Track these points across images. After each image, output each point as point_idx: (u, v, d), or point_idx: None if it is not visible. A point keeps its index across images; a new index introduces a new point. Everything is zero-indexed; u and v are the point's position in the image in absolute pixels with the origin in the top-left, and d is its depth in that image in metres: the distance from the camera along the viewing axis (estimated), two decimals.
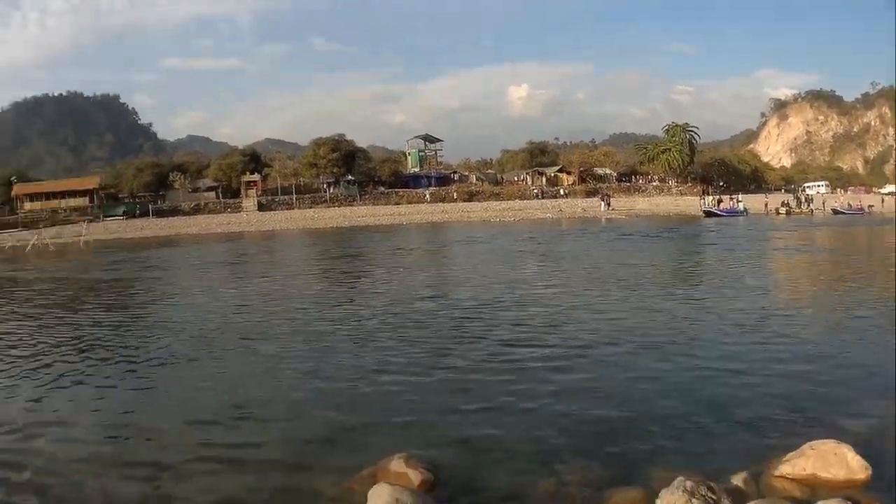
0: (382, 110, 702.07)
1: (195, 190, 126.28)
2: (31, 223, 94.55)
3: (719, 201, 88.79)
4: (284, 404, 11.04)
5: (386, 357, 13.71)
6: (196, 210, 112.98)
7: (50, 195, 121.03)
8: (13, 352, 16.18)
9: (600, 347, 14.01)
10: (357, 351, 14.53)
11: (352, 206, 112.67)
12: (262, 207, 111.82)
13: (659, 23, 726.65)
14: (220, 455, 8.80)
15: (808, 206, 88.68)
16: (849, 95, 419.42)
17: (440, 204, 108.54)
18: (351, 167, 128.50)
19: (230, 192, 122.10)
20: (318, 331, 16.91)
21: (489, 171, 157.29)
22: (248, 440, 9.37)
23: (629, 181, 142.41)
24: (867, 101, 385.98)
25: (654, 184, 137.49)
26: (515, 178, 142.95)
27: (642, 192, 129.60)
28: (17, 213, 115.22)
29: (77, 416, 10.80)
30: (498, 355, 13.45)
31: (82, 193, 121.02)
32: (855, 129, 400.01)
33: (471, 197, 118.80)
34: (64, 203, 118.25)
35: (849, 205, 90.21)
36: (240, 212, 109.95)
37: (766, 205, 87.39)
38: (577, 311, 18.63)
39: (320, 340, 15.71)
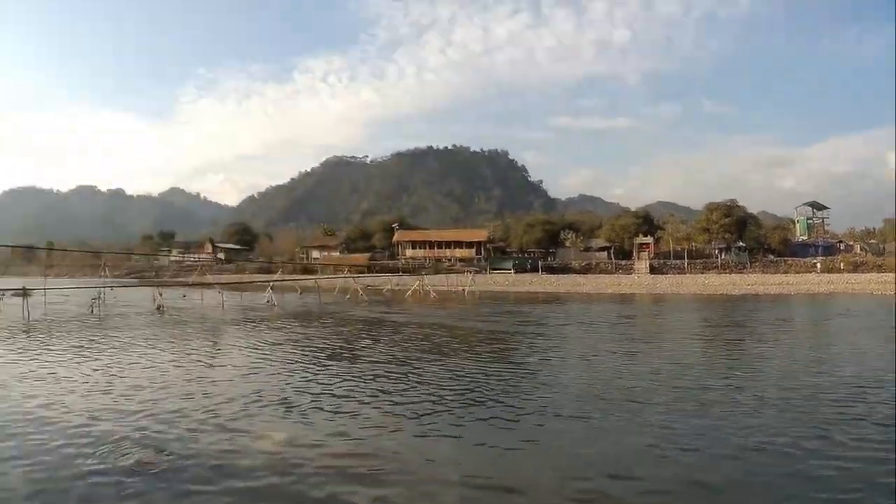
0: (772, 174, 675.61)
1: (587, 249, 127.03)
2: (412, 269, 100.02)
3: None
4: (666, 476, 11.08)
5: (765, 436, 13.39)
6: (587, 269, 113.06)
7: (434, 244, 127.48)
8: (388, 394, 17.71)
9: None
10: (740, 423, 14.43)
11: (741, 273, 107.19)
12: (653, 270, 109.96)
13: None
14: None
15: None
16: None
17: (826, 274, 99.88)
18: (742, 233, 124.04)
19: (622, 254, 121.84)
20: (703, 400, 16.76)
21: (872, 241, 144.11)
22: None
23: None
24: None
25: None
26: None
27: None
28: (398, 259, 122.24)
29: (452, 461, 11.86)
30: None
31: (469, 245, 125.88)
32: None
33: (855, 268, 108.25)
34: (449, 252, 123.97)
35: None
36: (631, 273, 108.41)
37: None
38: None
39: (704, 411, 15.62)
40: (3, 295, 52.01)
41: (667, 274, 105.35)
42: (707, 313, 48.37)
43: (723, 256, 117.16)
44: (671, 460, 11.89)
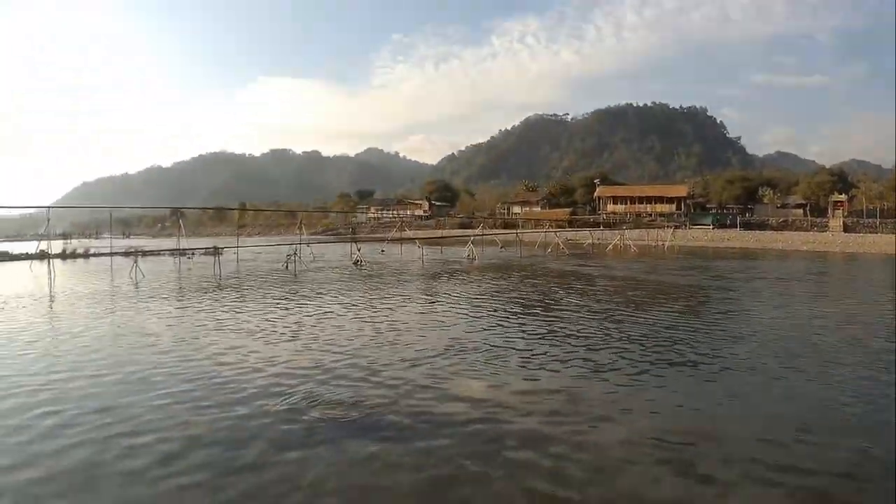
0: None
1: (783, 206, 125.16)
2: (613, 224, 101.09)
3: None
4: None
5: None
6: (783, 226, 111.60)
7: (635, 199, 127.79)
8: (577, 342, 17.58)
9: None
10: None
11: None
12: (846, 228, 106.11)
13: None
14: (771, 478, 8.61)
15: None
16: None
17: None
18: None
19: (817, 211, 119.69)
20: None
21: None
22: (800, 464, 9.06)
23: None
24: None
25: None
26: None
27: None
28: (599, 214, 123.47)
29: (641, 411, 11.54)
30: None
31: (669, 200, 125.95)
32: None
33: None
34: (650, 208, 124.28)
35: None
36: (825, 231, 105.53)
37: None
38: None
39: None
40: (194, 254, 54.62)
41: (859, 232, 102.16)
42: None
43: None
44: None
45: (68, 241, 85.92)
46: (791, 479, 8.48)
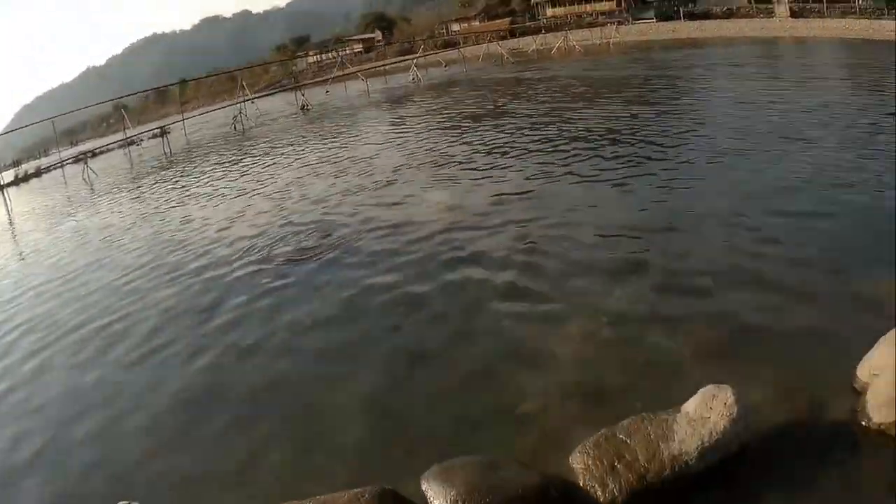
0: None
1: None
2: (555, 27, 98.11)
3: None
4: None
5: None
6: (728, 14, 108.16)
7: (574, 1, 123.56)
8: (542, 146, 17.70)
9: None
10: None
11: (880, 19, 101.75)
12: (793, 14, 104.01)
13: None
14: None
15: None
16: None
17: None
18: None
19: None
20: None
21: None
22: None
23: None
24: None
25: None
26: None
27: None
28: (539, 20, 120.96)
29: (609, 204, 11.81)
30: None
31: None
32: None
33: None
34: (589, 7, 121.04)
35: None
36: (772, 17, 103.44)
37: None
38: None
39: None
40: (142, 140, 52.97)
41: (807, 17, 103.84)
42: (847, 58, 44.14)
43: (861, 2, 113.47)
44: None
45: (18, 166, 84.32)
46: None
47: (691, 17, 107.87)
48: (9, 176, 56.37)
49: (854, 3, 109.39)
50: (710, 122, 18.12)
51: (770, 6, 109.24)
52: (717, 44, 64.13)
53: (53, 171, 50.81)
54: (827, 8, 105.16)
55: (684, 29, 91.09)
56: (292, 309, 9.25)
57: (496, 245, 10.33)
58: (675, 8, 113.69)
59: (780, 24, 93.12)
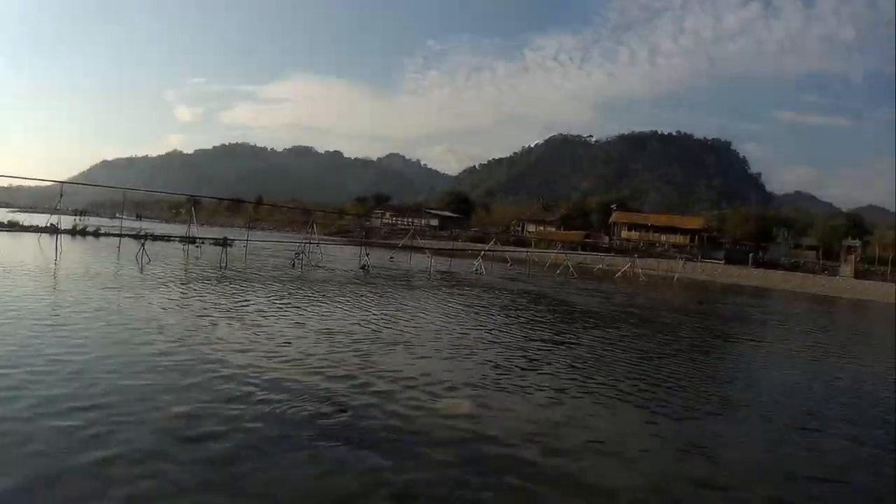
0: None
1: (797, 246, 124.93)
2: (625, 251, 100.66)
3: None
4: None
5: None
6: (794, 267, 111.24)
7: (650, 227, 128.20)
8: (579, 371, 18.16)
9: None
10: None
11: None
12: (858, 275, 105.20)
13: None
14: None
15: None
16: None
17: None
18: None
19: (829, 255, 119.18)
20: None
21: None
22: None
23: None
24: None
25: None
26: None
27: None
28: (613, 239, 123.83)
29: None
30: None
31: (684, 232, 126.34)
32: None
33: None
34: (664, 238, 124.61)
35: None
36: (836, 276, 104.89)
37: None
38: None
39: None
40: (204, 243, 53.58)
41: (871, 280, 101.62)
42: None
43: None
44: None
45: (80, 217, 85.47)
46: None
47: (758, 264, 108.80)
48: (67, 222, 57.53)
49: None
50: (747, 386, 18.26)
51: (836, 263, 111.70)
52: (778, 296, 62.92)
53: (112, 238, 51.54)
54: (891, 272, 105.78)
55: (748, 275, 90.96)
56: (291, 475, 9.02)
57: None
58: (744, 253, 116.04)
59: (842, 283, 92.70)
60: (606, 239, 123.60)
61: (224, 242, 49.16)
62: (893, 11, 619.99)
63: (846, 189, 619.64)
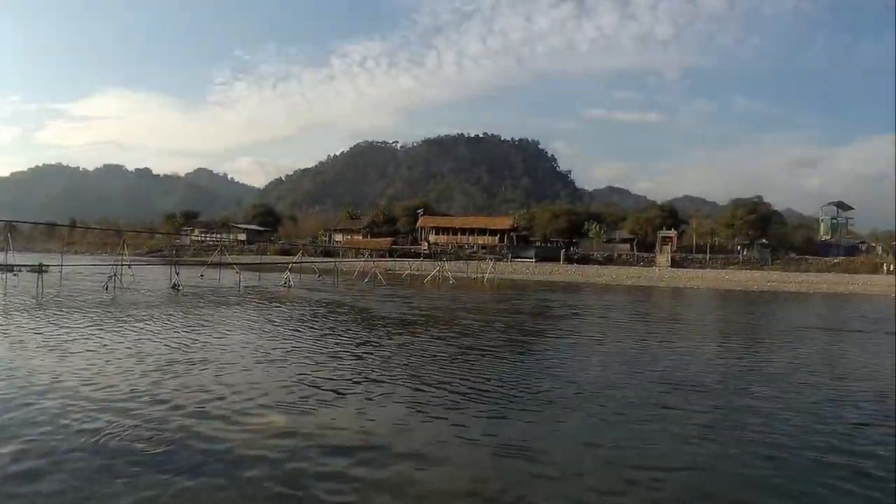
0: (799, 174, 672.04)
1: (609, 241, 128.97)
2: (434, 255, 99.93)
3: None
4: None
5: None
6: (608, 260, 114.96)
7: (458, 230, 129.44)
8: (384, 376, 18.19)
9: None
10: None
11: (762, 270, 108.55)
12: (674, 264, 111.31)
13: None
14: None
15: None
16: None
17: (846, 275, 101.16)
18: (766, 230, 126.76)
19: (644, 246, 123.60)
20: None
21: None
22: None
23: None
24: None
25: None
26: None
27: None
28: (421, 244, 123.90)
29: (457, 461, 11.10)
30: None
31: (493, 233, 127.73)
32: None
33: (874, 269, 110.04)
34: (472, 240, 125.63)
35: None
36: (652, 266, 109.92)
37: None
38: None
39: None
40: (21, 270, 52.16)
41: (687, 268, 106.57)
42: (724, 311, 48.53)
43: (745, 253, 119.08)
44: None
45: None
46: None
47: (571, 260, 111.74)
48: None
49: (738, 255, 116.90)
50: (567, 378, 18.31)
51: (651, 255, 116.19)
52: (592, 290, 63.99)
53: None
54: (709, 259, 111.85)
55: (562, 272, 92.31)
56: None
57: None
58: (556, 250, 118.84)
59: (660, 272, 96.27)
60: (425, 245, 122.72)
61: (40, 269, 46.56)
62: (711, 6, 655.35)
63: (660, 181, 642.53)
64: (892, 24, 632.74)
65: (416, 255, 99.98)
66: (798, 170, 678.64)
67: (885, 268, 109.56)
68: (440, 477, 10.09)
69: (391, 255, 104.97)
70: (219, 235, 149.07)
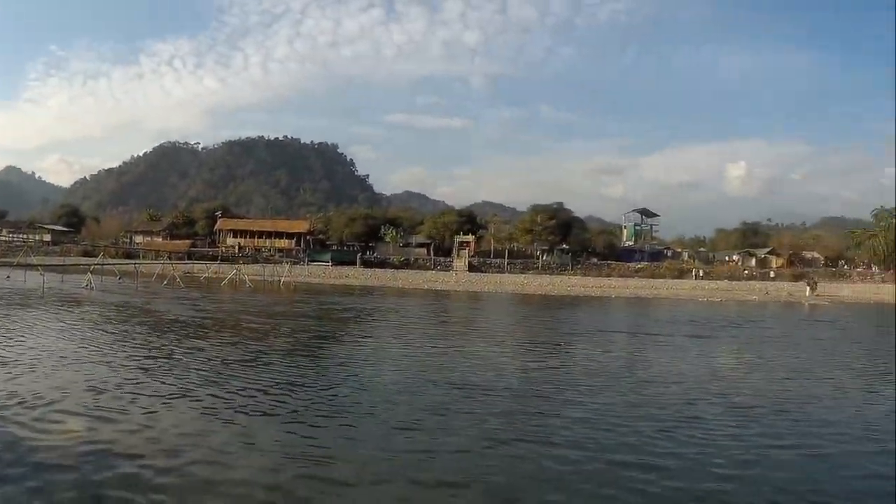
0: (602, 182, 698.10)
1: (406, 245, 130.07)
2: (231, 258, 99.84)
3: None
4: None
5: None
6: (406, 264, 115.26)
7: (256, 233, 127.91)
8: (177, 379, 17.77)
9: None
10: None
11: (562, 274, 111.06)
12: (472, 268, 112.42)
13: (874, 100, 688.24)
14: None
15: None
16: None
17: (650, 280, 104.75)
18: (567, 236, 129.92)
19: (442, 251, 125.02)
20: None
21: (701, 249, 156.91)
22: None
23: (835, 266, 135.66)
24: None
25: (859, 270, 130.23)
26: (727, 258, 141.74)
27: (846, 278, 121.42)
28: (219, 247, 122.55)
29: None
30: None
31: (290, 236, 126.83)
32: None
33: (681, 274, 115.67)
34: (270, 243, 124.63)
35: None
36: (450, 270, 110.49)
37: None
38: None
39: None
40: None
41: (486, 272, 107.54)
42: (519, 315, 49.16)
43: (545, 258, 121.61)
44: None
45: None
46: None
47: (367, 264, 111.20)
48: None
49: (538, 260, 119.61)
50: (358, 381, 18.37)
51: (449, 259, 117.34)
52: (388, 294, 64.03)
53: None
54: (508, 264, 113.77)
55: (358, 275, 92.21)
56: None
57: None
58: (353, 254, 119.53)
59: (457, 277, 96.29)
60: (236, 250, 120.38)
61: None
62: (522, 17, 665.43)
63: (460, 187, 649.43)
64: (707, 38, 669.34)
65: (214, 258, 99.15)
66: (602, 177, 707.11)
67: (693, 273, 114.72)
68: (231, 481, 10.00)
69: (190, 258, 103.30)
70: (25, 236, 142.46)
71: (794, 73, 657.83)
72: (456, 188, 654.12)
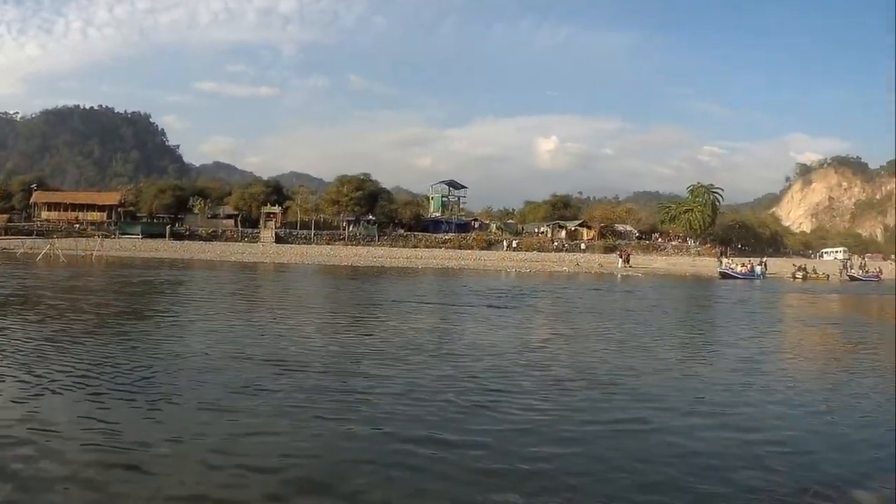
0: (411, 153, 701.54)
1: (214, 216, 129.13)
2: (46, 232, 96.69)
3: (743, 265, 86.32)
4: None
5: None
6: (213, 236, 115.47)
7: (69, 206, 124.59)
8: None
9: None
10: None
11: (369, 245, 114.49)
12: (279, 240, 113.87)
13: (690, 86, 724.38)
14: None
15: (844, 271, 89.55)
16: (874, 163, 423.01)
17: (457, 251, 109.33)
18: (373, 207, 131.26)
19: (249, 222, 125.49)
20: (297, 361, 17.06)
21: (510, 221, 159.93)
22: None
23: (649, 239, 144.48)
24: (891, 169, 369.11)
25: (674, 243, 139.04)
26: (536, 230, 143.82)
27: (661, 250, 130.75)
28: (34, 221, 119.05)
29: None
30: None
31: (101, 208, 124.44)
32: (878, 197, 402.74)
33: (489, 245, 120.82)
34: (82, 216, 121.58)
35: (864, 271, 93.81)
36: (257, 242, 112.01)
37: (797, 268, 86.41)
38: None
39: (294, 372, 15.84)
40: None
41: (293, 244, 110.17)
42: (327, 286, 51.03)
43: (350, 229, 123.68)
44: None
45: None
46: None
47: (177, 236, 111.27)
48: None
49: (344, 231, 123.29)
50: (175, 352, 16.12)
51: (256, 231, 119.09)
52: (198, 266, 64.85)
53: None
54: (315, 235, 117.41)
55: (167, 248, 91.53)
56: None
57: None
58: (163, 226, 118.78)
59: (264, 249, 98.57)
60: (49, 223, 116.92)
61: None
62: None
63: (267, 158, 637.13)
64: (525, 13, 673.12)
65: (30, 233, 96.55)
66: (411, 149, 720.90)
67: (505, 244, 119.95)
68: (37, 468, 9.00)
69: (7, 233, 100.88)
70: None
71: (612, 52, 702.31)
72: (264, 158, 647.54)
